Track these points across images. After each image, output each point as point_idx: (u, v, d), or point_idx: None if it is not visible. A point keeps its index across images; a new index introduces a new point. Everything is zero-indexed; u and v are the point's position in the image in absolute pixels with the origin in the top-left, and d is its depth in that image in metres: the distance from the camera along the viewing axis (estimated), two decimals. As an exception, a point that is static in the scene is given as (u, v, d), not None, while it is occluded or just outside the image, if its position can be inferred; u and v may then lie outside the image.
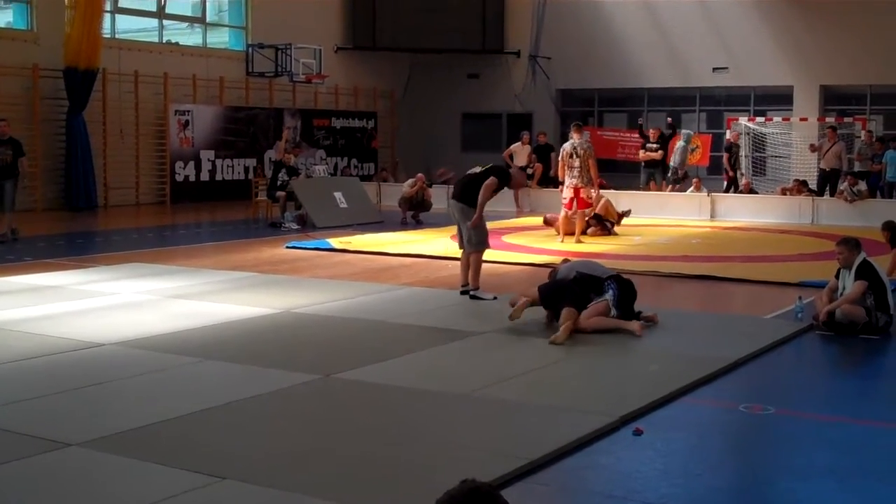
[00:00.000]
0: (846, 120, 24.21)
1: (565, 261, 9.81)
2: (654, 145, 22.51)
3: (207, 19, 26.26)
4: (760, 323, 9.56)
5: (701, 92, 28.00)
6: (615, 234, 16.97)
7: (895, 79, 24.62)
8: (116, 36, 23.53)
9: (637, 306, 8.99)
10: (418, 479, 5.16)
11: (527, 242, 15.61)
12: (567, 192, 15.77)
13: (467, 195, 10.65)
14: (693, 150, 24.87)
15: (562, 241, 15.65)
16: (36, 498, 4.94)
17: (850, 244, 9.11)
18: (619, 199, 19.31)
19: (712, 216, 20.69)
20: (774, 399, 6.94)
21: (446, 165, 26.82)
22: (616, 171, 25.38)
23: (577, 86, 29.36)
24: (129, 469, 5.27)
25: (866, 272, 8.92)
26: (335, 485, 5.10)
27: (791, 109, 26.11)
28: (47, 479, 5.17)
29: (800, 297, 9.58)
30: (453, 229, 17.53)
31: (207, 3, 26.19)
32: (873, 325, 8.82)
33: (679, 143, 23.16)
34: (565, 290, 8.79)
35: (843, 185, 20.28)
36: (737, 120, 25.18)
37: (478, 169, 10.81)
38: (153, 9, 24.75)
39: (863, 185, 20.05)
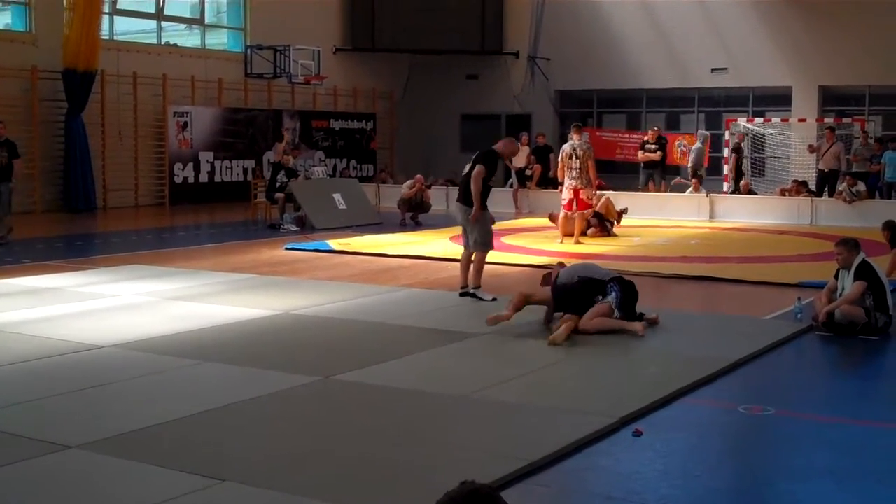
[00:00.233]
0: (845, 121, 24.21)
1: (560, 264, 9.79)
2: (653, 146, 22.52)
3: (206, 21, 26.25)
4: (759, 324, 9.56)
5: (700, 93, 28.00)
6: (614, 235, 16.97)
7: (894, 79, 24.62)
8: (115, 37, 23.51)
9: (637, 307, 8.99)
10: (418, 480, 5.16)
11: (526, 244, 15.60)
12: (566, 194, 15.78)
13: (466, 195, 10.66)
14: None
15: (561, 242, 15.65)
16: (36, 500, 4.94)
17: (849, 245, 9.11)
18: (618, 199, 19.30)
19: (711, 217, 20.69)
20: (774, 400, 6.94)
21: (445, 166, 26.93)
22: (615, 172, 25.40)
23: (575, 87, 29.36)
24: (129, 471, 5.27)
25: (865, 273, 8.92)
26: (334, 486, 5.10)
27: (790, 110, 26.11)
28: (47, 481, 5.16)
29: (799, 298, 9.58)
30: (452, 231, 17.62)
31: (206, 5, 26.19)
32: (872, 326, 8.82)
33: (696, 145, 23.28)
34: (577, 294, 8.79)
35: (841, 186, 20.29)
36: (735, 121, 25.18)
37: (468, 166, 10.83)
38: (152, 10, 24.74)
39: (861, 186, 20.05)
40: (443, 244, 15.75)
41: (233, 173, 25.20)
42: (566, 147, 15.99)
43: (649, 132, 23.12)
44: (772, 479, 5.46)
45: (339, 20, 29.07)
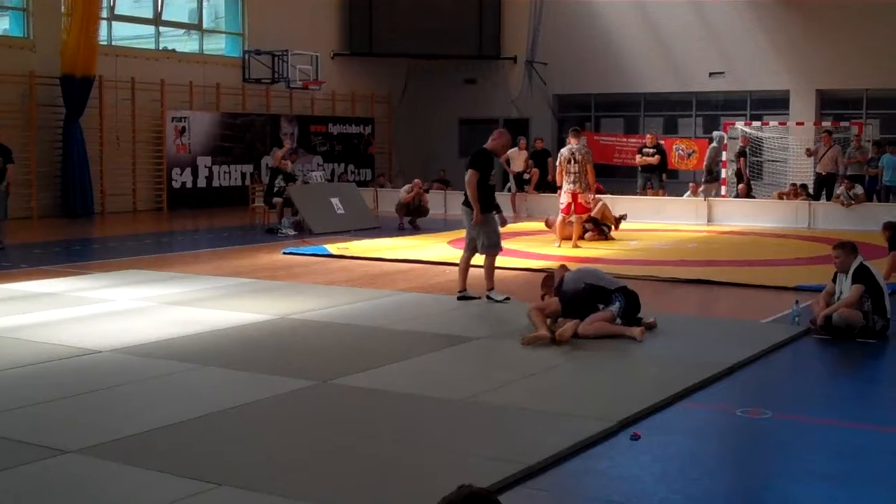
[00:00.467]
0: (842, 124, 24.22)
1: (562, 267, 9.74)
2: (651, 150, 22.54)
3: (204, 26, 26.26)
4: (758, 327, 9.56)
5: (697, 96, 28.04)
6: (612, 239, 16.98)
7: (891, 83, 24.66)
8: (113, 43, 23.53)
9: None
10: (416, 484, 5.16)
11: (524, 248, 15.60)
12: (565, 198, 15.79)
13: (467, 198, 10.68)
14: (690, 155, 24.92)
15: (559, 246, 15.65)
16: (33, 505, 4.93)
17: (847, 248, 9.11)
18: (617, 203, 19.33)
19: (709, 220, 20.70)
20: (772, 403, 6.94)
21: (443, 171, 26.98)
22: (613, 176, 25.43)
23: (573, 91, 29.39)
24: (126, 476, 5.26)
25: (863, 276, 8.92)
26: (332, 490, 5.09)
27: (787, 114, 26.13)
28: (45, 486, 5.15)
29: (797, 301, 9.58)
30: (450, 235, 17.63)
31: (204, 10, 26.21)
32: (870, 329, 8.82)
33: (711, 146, 23.31)
34: (584, 302, 8.77)
35: (839, 190, 20.31)
36: (733, 124, 25.20)
37: None
38: (150, 16, 24.76)
39: (859, 189, 20.08)
40: (441, 248, 15.75)
41: (231, 178, 25.21)
42: (564, 151, 16.00)
43: (647, 136, 23.12)
44: (770, 483, 5.46)
45: (337, 25, 29.09)
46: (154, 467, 5.33)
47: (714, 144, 23.47)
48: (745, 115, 26.66)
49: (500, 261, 11.38)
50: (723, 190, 23.82)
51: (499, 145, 10.90)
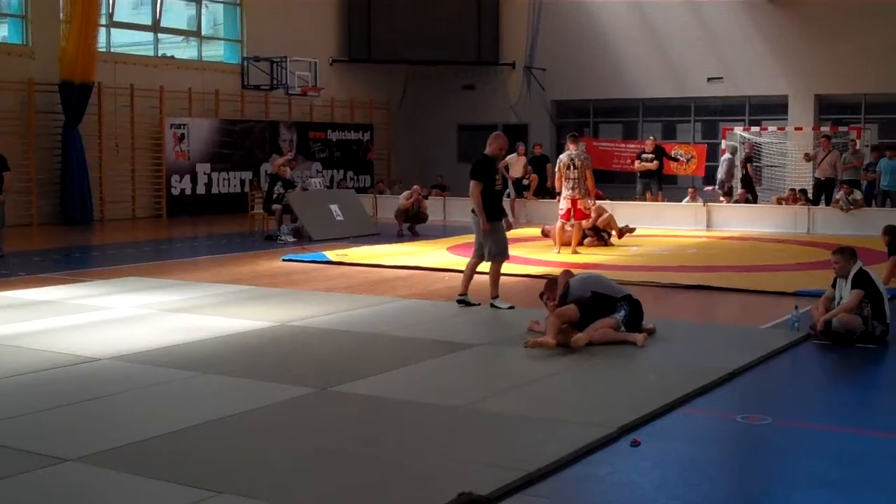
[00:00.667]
0: (841, 129, 24.25)
1: (567, 272, 9.72)
2: (650, 156, 22.55)
3: (203, 33, 26.29)
4: (757, 333, 9.55)
5: (696, 102, 28.06)
6: (612, 245, 16.99)
7: (890, 87, 24.68)
8: (112, 50, 23.54)
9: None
10: (416, 491, 5.16)
11: (523, 253, 15.59)
12: (564, 203, 15.79)
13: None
14: (689, 161, 24.93)
15: (558, 252, 15.65)
16: (33, 514, 4.93)
17: (847, 253, 9.12)
18: (616, 209, 19.34)
19: (708, 226, 20.71)
20: (772, 409, 6.94)
21: (441, 177, 27.00)
22: (612, 182, 25.44)
23: (572, 97, 29.42)
24: (126, 484, 5.25)
25: (862, 281, 8.92)
26: (333, 498, 5.09)
27: (786, 119, 26.17)
28: (44, 494, 5.15)
29: (796, 307, 9.58)
30: (449, 241, 17.64)
31: (203, 17, 26.23)
32: (870, 335, 8.82)
33: (725, 156, 23.33)
34: (589, 310, 8.77)
35: (838, 195, 20.32)
36: (732, 130, 25.24)
37: None
38: (148, 22, 24.79)
39: (858, 194, 20.09)
40: (440, 255, 15.75)
41: (230, 185, 25.23)
42: (563, 157, 16.01)
43: (646, 142, 23.14)
44: (770, 489, 5.45)
45: (336, 31, 29.12)
46: (154, 475, 5.33)
47: (728, 156, 23.44)
48: (743, 121, 26.70)
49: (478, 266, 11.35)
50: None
51: (496, 148, 10.89)
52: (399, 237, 18.85)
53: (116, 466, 5.47)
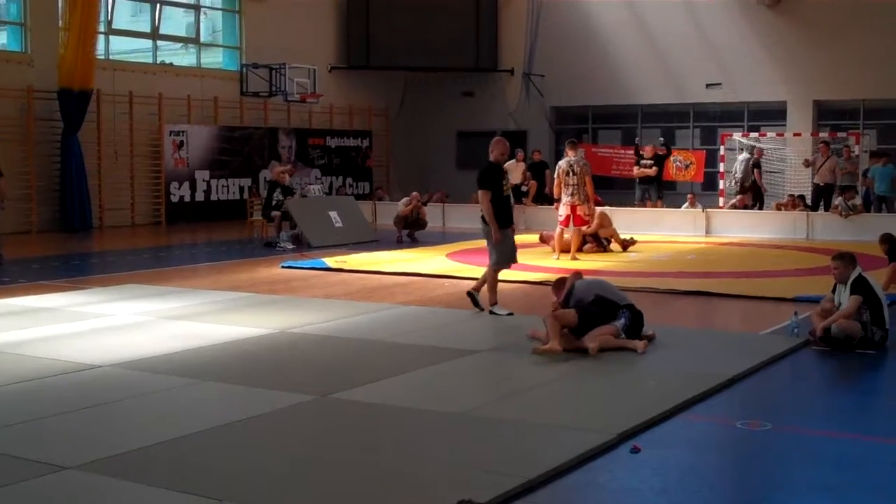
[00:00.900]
0: (840, 135, 24.27)
1: (576, 275, 9.74)
2: (649, 162, 22.57)
3: (201, 39, 26.31)
4: (757, 339, 9.55)
5: (695, 108, 28.09)
6: (611, 251, 16.99)
7: (888, 93, 24.71)
8: (110, 57, 23.57)
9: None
10: (416, 498, 5.15)
11: (522, 260, 15.54)
12: (563, 210, 15.81)
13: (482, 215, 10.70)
14: (688, 166, 24.95)
15: (557, 259, 15.65)
16: (32, 522, 4.93)
17: (846, 259, 9.11)
18: (615, 215, 19.32)
19: (707, 232, 20.71)
20: (772, 415, 6.94)
21: (441, 184, 27.02)
22: (611, 188, 25.45)
23: (570, 103, 29.45)
24: (127, 491, 5.25)
25: (861, 287, 8.92)
26: (333, 506, 5.09)
27: (785, 125, 26.18)
28: (44, 502, 5.15)
29: (796, 313, 9.58)
30: (448, 247, 17.65)
31: (201, 24, 26.26)
32: (869, 340, 8.82)
33: (743, 155, 23.33)
34: (591, 316, 8.78)
35: (837, 200, 20.34)
36: (731, 136, 25.25)
37: None
38: (147, 30, 24.81)
39: (858, 200, 20.13)
40: (439, 261, 15.75)
41: (229, 192, 25.24)
42: (562, 164, 16.02)
43: (646, 148, 23.16)
44: (770, 495, 5.45)
45: (335, 38, 29.14)
46: (155, 483, 5.32)
47: (746, 155, 23.46)
48: (742, 127, 26.71)
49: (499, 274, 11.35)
50: (720, 201, 23.85)
51: (499, 154, 10.88)
52: (398, 244, 18.85)
53: (116, 474, 5.47)
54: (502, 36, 30.01)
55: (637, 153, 23.17)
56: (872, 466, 5.86)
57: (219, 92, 25.42)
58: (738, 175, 23.29)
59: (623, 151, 26.58)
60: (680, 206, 22.45)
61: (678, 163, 24.86)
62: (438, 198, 25.97)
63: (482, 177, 10.66)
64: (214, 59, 26.88)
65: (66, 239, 20.16)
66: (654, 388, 7.49)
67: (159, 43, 25.09)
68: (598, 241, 17.00)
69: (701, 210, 21.45)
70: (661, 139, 24.40)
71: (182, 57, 26.14)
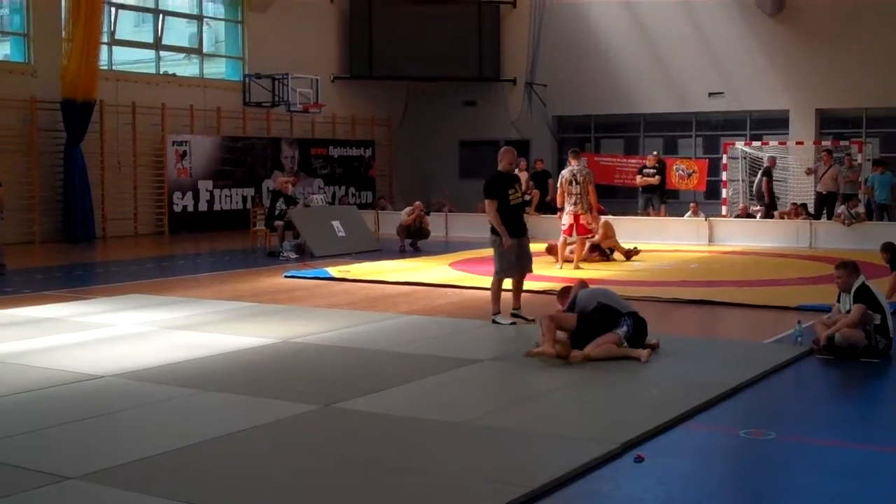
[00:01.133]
0: (842, 143, 24.26)
1: (581, 283, 9.74)
2: (652, 170, 22.56)
3: (204, 50, 26.35)
4: (760, 348, 9.54)
5: (697, 117, 28.09)
6: (614, 260, 16.98)
7: (891, 102, 24.71)
8: (113, 67, 23.62)
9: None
10: (419, 508, 5.15)
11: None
12: (566, 219, 15.79)
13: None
14: (690, 175, 24.94)
15: (560, 268, 15.64)
16: (35, 532, 4.92)
17: (849, 268, 9.10)
18: (618, 224, 19.30)
19: (710, 241, 20.71)
20: (775, 424, 6.92)
21: (444, 193, 27.04)
22: (614, 197, 25.43)
23: (573, 112, 29.46)
24: (129, 502, 5.24)
25: (864, 296, 8.91)
26: (336, 516, 5.08)
27: (787, 133, 26.19)
28: (46, 513, 5.15)
29: (799, 322, 9.57)
30: (452, 257, 17.64)
31: (204, 34, 26.31)
32: (873, 349, 8.81)
33: (765, 167, 23.34)
34: (592, 324, 8.77)
35: (840, 209, 20.32)
36: (733, 144, 25.25)
37: None
38: (150, 40, 24.86)
39: (861, 208, 20.12)
40: (442, 270, 15.75)
41: (232, 202, 25.25)
42: (565, 173, 16.02)
43: (648, 157, 23.16)
44: (774, 504, 5.44)
45: (337, 49, 29.19)
46: (157, 493, 5.31)
47: (766, 166, 23.46)
48: (744, 135, 26.72)
49: (503, 283, 11.35)
50: (723, 210, 23.85)
51: (507, 163, 10.86)
52: (401, 253, 18.85)
53: (119, 484, 5.46)
54: (504, 45, 30.04)
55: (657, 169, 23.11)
56: (876, 475, 5.85)
57: (222, 102, 25.45)
58: (757, 188, 23.22)
59: (626, 160, 26.59)
60: (683, 215, 22.44)
61: (680, 171, 24.86)
62: (444, 200, 26.06)
63: (487, 186, 10.68)
64: (217, 69, 26.93)
65: (69, 249, 20.17)
66: (658, 397, 7.48)
67: (162, 53, 25.13)
68: (601, 250, 16.99)
69: (704, 219, 21.45)
70: (655, 152, 24.33)
71: (185, 67, 26.18)
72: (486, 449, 6.20)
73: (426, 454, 6.11)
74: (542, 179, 23.74)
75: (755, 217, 22.16)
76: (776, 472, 5.94)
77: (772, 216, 22.14)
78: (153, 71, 24.80)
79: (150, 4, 24.68)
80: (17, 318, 11.04)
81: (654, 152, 24.12)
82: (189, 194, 24.31)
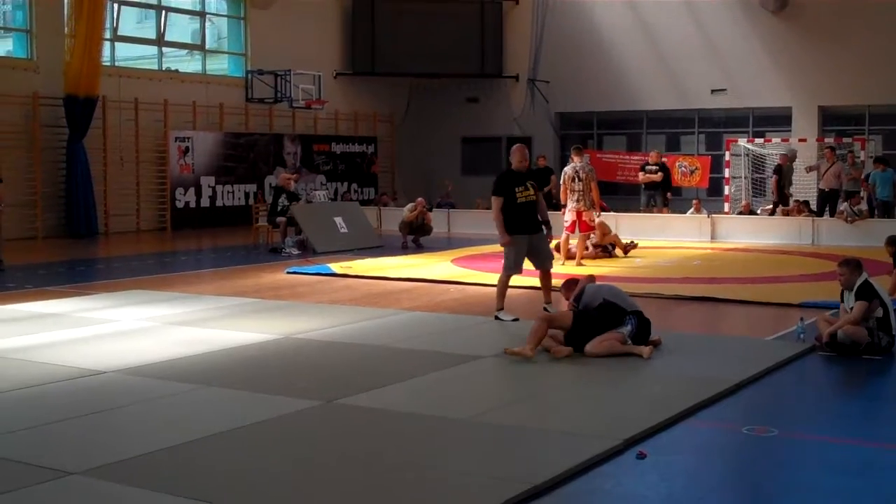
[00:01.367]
0: (845, 140, 24.25)
1: (590, 277, 9.75)
2: (654, 167, 22.54)
3: (207, 46, 26.36)
4: (762, 344, 9.53)
5: (700, 113, 28.07)
6: (616, 257, 16.98)
7: (894, 99, 24.68)
8: (116, 63, 23.62)
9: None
10: (421, 504, 5.15)
11: (527, 265, 15.55)
12: (569, 216, 15.79)
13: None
14: (693, 172, 24.93)
15: (563, 264, 15.62)
16: (37, 527, 4.92)
17: (852, 265, 9.09)
18: (620, 221, 19.36)
19: (713, 238, 20.69)
20: (778, 421, 6.92)
21: (446, 190, 27.05)
22: (616, 194, 25.43)
23: (575, 109, 29.44)
24: (131, 498, 5.24)
25: (867, 293, 8.90)
26: (337, 511, 5.08)
27: (790, 130, 26.17)
28: (48, 508, 5.15)
29: (801, 318, 9.56)
30: (454, 253, 17.64)
31: (207, 31, 26.30)
32: (876, 346, 8.80)
33: (786, 165, 23.30)
34: (594, 322, 8.76)
35: (843, 206, 20.31)
36: (736, 141, 25.25)
37: None
38: (153, 36, 24.86)
39: (864, 205, 20.09)
40: (444, 267, 15.74)
41: (234, 198, 25.26)
42: (568, 169, 16.02)
43: (651, 153, 23.14)
44: (776, 501, 5.44)
45: (340, 45, 29.18)
46: (159, 489, 5.31)
47: (777, 164, 23.42)
48: (747, 132, 26.72)
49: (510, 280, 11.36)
50: (726, 206, 23.83)
51: (517, 161, 10.83)
52: (403, 249, 18.85)
53: (121, 480, 5.46)
54: (507, 42, 30.02)
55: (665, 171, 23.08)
56: (879, 472, 5.85)
57: (224, 98, 25.45)
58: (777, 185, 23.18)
59: (628, 157, 26.58)
60: (685, 212, 22.42)
61: (683, 168, 24.83)
62: (446, 194, 26.12)
63: (495, 183, 10.73)
64: (220, 65, 26.92)
65: (71, 245, 20.19)
66: (660, 393, 7.48)
67: (165, 50, 25.14)
68: (603, 246, 17.00)
69: (706, 216, 21.43)
70: (656, 150, 24.31)
71: (187, 63, 26.18)
72: (487, 445, 6.21)
73: (428, 450, 6.11)
74: (545, 176, 23.68)
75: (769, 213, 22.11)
76: (778, 469, 5.93)
77: (774, 213, 22.12)
78: (156, 67, 24.82)
79: (153, 1, 24.68)
80: (19, 314, 11.04)
81: (656, 150, 24.10)
82: (191, 190, 24.32)
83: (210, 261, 18.33)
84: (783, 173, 23.05)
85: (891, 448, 6.37)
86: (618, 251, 17.26)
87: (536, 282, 11.93)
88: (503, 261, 10.82)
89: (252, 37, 26.55)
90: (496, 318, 10.53)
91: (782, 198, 22.70)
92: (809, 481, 5.72)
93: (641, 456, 5.92)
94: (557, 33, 28.70)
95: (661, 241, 19.78)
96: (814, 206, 22.00)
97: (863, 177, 21.68)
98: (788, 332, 9.78)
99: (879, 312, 8.85)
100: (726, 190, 24.65)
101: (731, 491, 5.71)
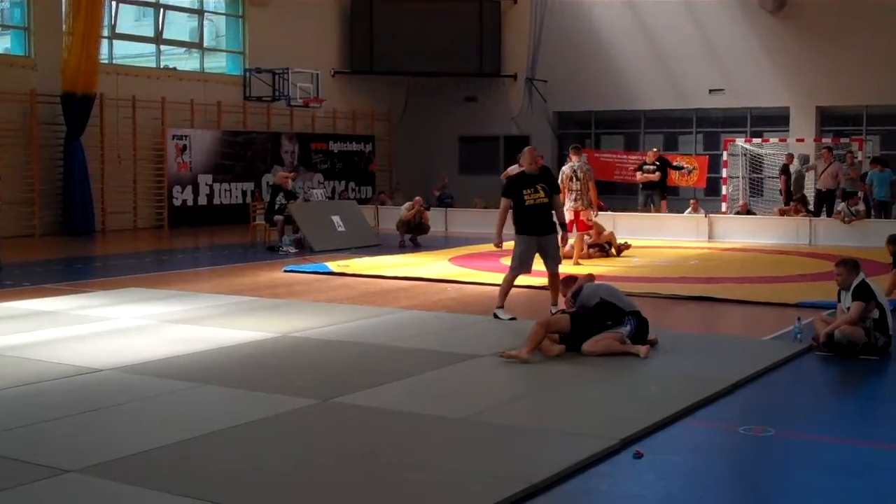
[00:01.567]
0: (843, 141, 24.27)
1: (589, 276, 9.75)
2: (652, 167, 22.54)
3: (205, 44, 26.34)
4: (759, 344, 9.54)
5: (697, 113, 28.08)
6: (613, 256, 16.98)
7: (891, 99, 24.70)
8: (114, 61, 23.59)
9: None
10: (417, 503, 5.14)
11: (539, 265, 15.56)
12: (567, 215, 15.77)
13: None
14: (690, 172, 24.94)
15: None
16: (33, 525, 4.91)
17: (849, 265, 9.10)
18: (618, 220, 19.35)
19: (710, 237, 20.70)
20: (775, 421, 6.92)
21: (443, 181, 27.10)
22: (613, 193, 25.44)
23: (573, 108, 29.45)
24: (128, 496, 5.24)
25: (864, 293, 8.91)
26: (334, 510, 5.08)
27: (788, 130, 26.18)
28: (45, 506, 5.14)
29: (798, 318, 9.56)
30: (451, 252, 17.64)
31: (205, 29, 26.29)
32: (872, 346, 8.80)
33: (794, 166, 23.26)
34: (591, 322, 8.76)
35: (840, 206, 20.33)
36: (734, 141, 25.26)
37: None
38: (151, 34, 24.84)
39: (861, 206, 20.12)
40: (442, 266, 15.74)
41: (232, 196, 25.25)
42: (566, 169, 16.02)
43: (648, 153, 23.14)
44: (773, 501, 5.44)
45: (338, 43, 29.17)
46: (156, 487, 5.31)
47: (797, 165, 23.40)
48: (745, 132, 26.73)
49: (502, 277, 11.35)
50: (723, 206, 23.83)
51: (527, 164, 10.88)
52: (401, 248, 18.84)
53: (118, 478, 5.46)
54: (505, 41, 30.02)
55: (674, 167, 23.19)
56: (875, 472, 5.85)
57: (222, 96, 25.44)
58: (790, 186, 23.21)
59: (626, 157, 26.59)
60: (683, 212, 22.43)
61: (682, 167, 24.83)
62: (443, 185, 26.13)
63: (505, 187, 10.86)
64: (218, 63, 26.90)
65: (68, 242, 20.17)
66: (657, 393, 7.48)
67: (163, 47, 25.11)
68: (600, 246, 17.00)
69: (704, 215, 21.44)
70: (655, 149, 24.30)
71: (185, 61, 26.16)
72: (484, 444, 6.21)
73: (425, 449, 6.11)
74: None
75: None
76: (775, 469, 5.94)
77: (741, 212, 22.18)
78: (153, 65, 24.80)
79: (151, -2, 24.69)
80: (16, 311, 11.03)
81: (654, 149, 24.09)
82: (189, 188, 24.30)
83: (207, 259, 18.32)
84: (790, 174, 23.09)
85: (887, 448, 6.37)
86: (613, 250, 17.26)
87: (537, 281, 11.96)
88: (510, 261, 10.83)
89: (250, 35, 26.54)
90: (494, 315, 10.53)
91: (791, 197, 22.73)
92: (806, 481, 5.73)
93: (638, 455, 5.93)
94: (556, 33, 28.70)
95: (658, 241, 19.79)
96: (812, 206, 22.01)
97: (859, 176, 21.70)
98: (785, 331, 9.79)
99: (876, 314, 8.85)
100: (724, 190, 24.66)
101: (728, 490, 5.72)
